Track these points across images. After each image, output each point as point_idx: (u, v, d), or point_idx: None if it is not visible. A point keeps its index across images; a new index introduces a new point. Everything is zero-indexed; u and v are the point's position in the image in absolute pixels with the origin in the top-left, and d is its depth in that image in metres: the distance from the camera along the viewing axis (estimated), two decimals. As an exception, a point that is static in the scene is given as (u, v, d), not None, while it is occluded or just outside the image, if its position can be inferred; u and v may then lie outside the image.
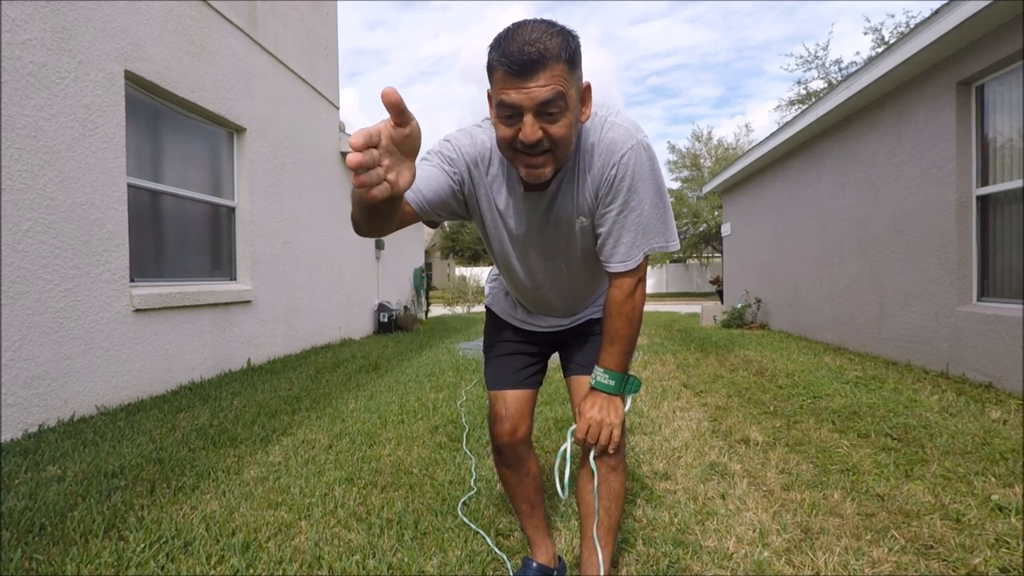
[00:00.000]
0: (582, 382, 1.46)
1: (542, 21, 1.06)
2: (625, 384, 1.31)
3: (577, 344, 1.55)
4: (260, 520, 1.98)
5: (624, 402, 1.33)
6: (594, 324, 1.53)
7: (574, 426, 1.33)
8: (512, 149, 1.11)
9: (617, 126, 1.20)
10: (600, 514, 1.37)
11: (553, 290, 1.45)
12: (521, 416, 1.52)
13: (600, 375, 1.30)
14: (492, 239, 1.37)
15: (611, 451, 1.31)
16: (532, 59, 1.00)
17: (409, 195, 1.12)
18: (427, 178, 1.17)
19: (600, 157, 1.20)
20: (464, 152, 1.24)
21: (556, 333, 1.57)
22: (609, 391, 1.29)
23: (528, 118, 1.04)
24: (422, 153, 1.24)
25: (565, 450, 1.33)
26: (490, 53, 1.07)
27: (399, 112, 0.73)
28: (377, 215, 0.98)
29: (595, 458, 1.34)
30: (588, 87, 1.14)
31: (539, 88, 1.02)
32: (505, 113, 1.06)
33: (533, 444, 1.64)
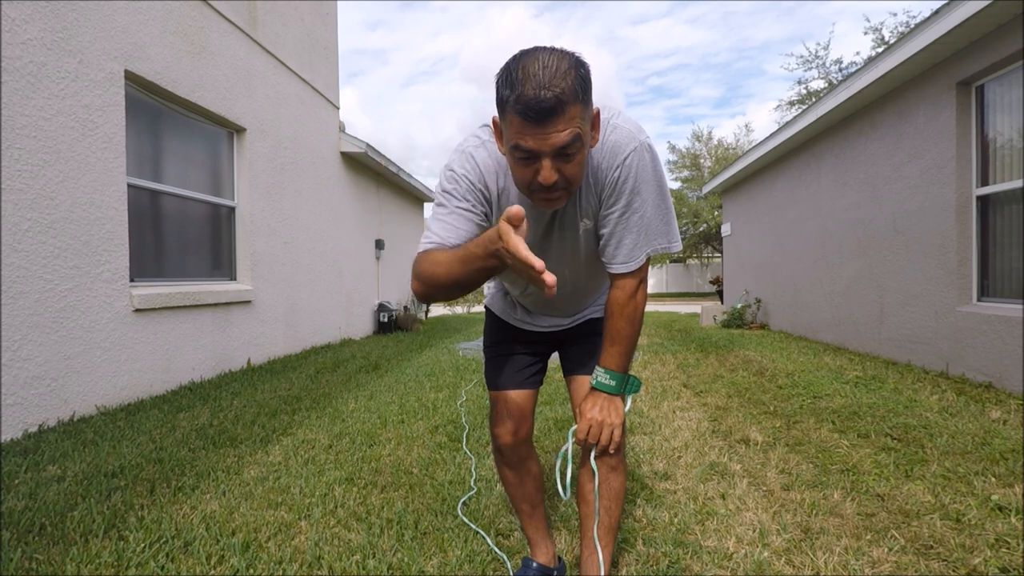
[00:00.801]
0: (583, 382, 1.47)
1: (552, 53, 1.02)
2: (626, 384, 1.31)
3: (577, 344, 1.55)
4: (260, 520, 1.98)
5: (625, 402, 1.33)
6: (594, 323, 1.53)
7: (575, 427, 1.33)
8: (529, 189, 1.11)
9: (619, 128, 1.20)
10: (600, 514, 1.37)
11: (557, 295, 1.44)
12: (522, 416, 1.52)
13: (601, 375, 1.30)
14: None
15: (612, 451, 1.31)
16: (550, 106, 0.98)
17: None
18: (462, 229, 1.19)
19: (604, 160, 1.20)
20: (472, 181, 1.23)
21: (556, 333, 1.57)
22: (610, 391, 1.30)
23: (546, 162, 1.04)
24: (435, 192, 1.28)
25: (566, 451, 1.34)
26: (501, 90, 1.04)
27: (521, 220, 0.92)
28: (474, 287, 1.11)
29: (595, 458, 1.34)
30: (598, 113, 1.13)
31: (557, 134, 1.01)
32: (521, 156, 1.05)
33: (534, 444, 1.64)
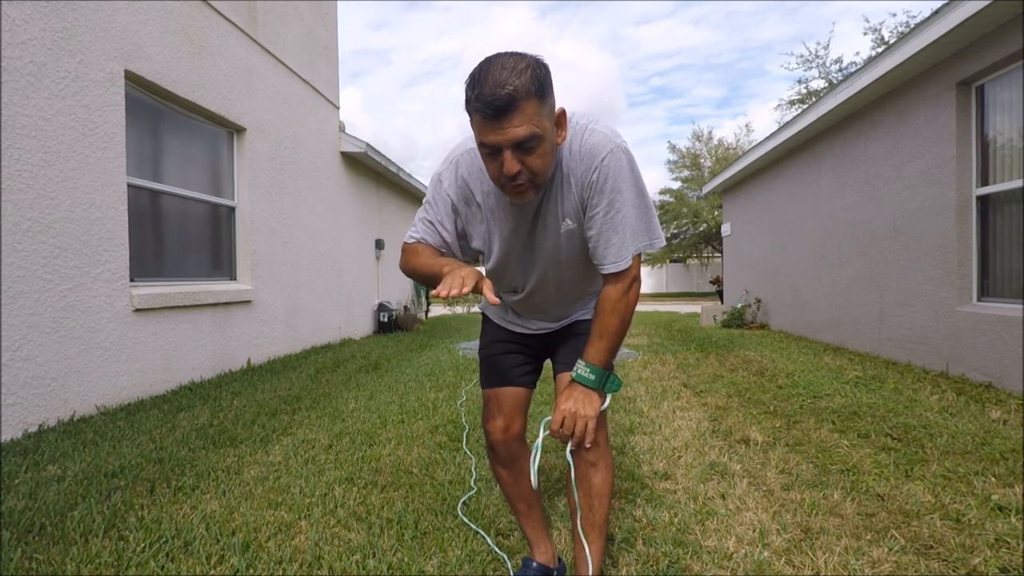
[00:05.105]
0: (567, 379, 1.48)
1: (511, 55, 1.13)
2: (605, 381, 1.34)
3: (564, 343, 1.59)
4: (260, 520, 1.98)
5: (603, 400, 1.35)
6: (580, 324, 1.57)
7: (548, 418, 1.35)
8: (499, 182, 1.22)
9: (596, 132, 1.27)
10: (583, 510, 1.39)
11: (542, 296, 1.50)
12: (514, 413, 1.56)
13: (581, 368, 1.33)
14: (487, 251, 1.44)
15: (587, 444, 1.32)
16: (504, 103, 1.08)
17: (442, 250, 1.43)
18: (433, 239, 1.41)
19: (582, 162, 1.27)
20: (453, 197, 1.38)
21: (544, 335, 1.62)
22: (589, 385, 1.32)
23: (507, 154, 1.13)
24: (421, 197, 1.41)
25: (538, 443, 1.35)
26: (467, 92, 1.14)
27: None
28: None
29: (571, 452, 1.36)
30: (562, 112, 1.21)
31: (514, 129, 1.11)
32: (486, 151, 1.17)
33: (527, 442, 1.64)
